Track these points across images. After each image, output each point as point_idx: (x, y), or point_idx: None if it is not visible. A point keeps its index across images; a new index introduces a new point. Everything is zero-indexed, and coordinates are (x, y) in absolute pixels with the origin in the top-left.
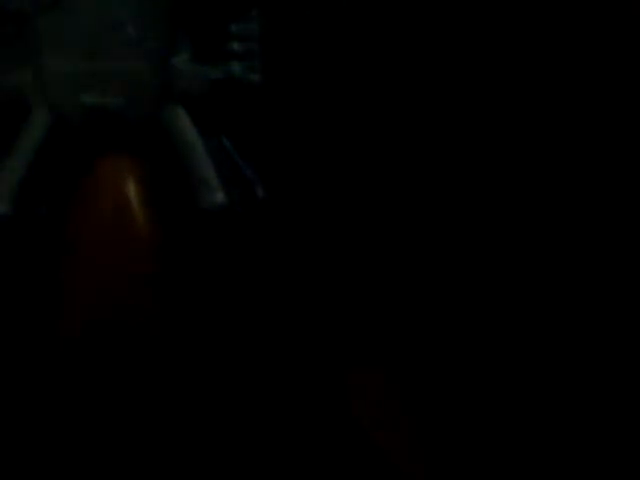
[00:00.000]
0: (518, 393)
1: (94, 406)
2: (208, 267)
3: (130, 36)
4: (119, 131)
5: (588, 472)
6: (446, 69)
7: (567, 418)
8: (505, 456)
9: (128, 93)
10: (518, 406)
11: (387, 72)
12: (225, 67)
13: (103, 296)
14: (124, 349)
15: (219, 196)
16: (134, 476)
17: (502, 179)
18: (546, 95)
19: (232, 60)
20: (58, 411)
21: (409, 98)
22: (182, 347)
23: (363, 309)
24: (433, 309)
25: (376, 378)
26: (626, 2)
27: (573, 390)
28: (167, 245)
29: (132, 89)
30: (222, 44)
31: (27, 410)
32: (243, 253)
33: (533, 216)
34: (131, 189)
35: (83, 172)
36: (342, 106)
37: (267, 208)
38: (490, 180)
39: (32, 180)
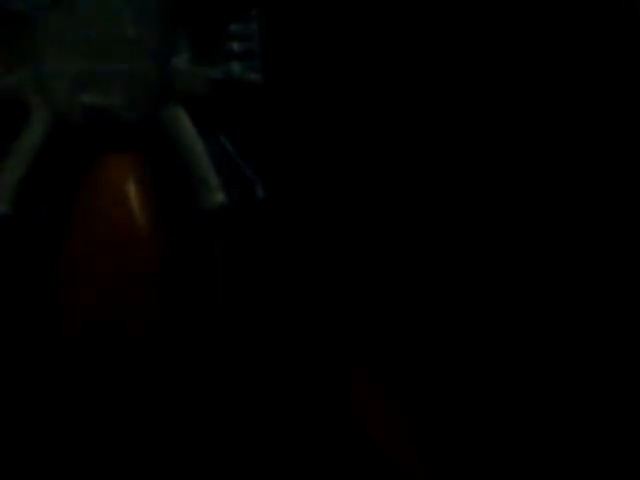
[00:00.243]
0: (518, 393)
1: (94, 406)
2: (208, 267)
3: (130, 36)
4: (119, 131)
5: (588, 472)
6: (448, 70)
7: (566, 418)
8: (505, 456)
9: (128, 93)
10: (518, 405)
11: (388, 72)
12: (225, 67)
13: (103, 296)
14: (124, 349)
15: (219, 196)
16: (133, 476)
17: (501, 180)
18: (546, 95)
19: (232, 60)
20: (57, 411)
21: (410, 98)
22: (182, 347)
23: (363, 309)
24: (433, 309)
25: (376, 378)
26: (626, 2)
27: (572, 391)
28: (167, 245)
29: (132, 89)
30: (222, 44)
31: (27, 410)
32: (243, 253)
33: (532, 218)
34: (131, 189)
35: (83, 172)
36: (343, 106)
37: (267, 208)
38: (489, 181)
39: (32, 180)
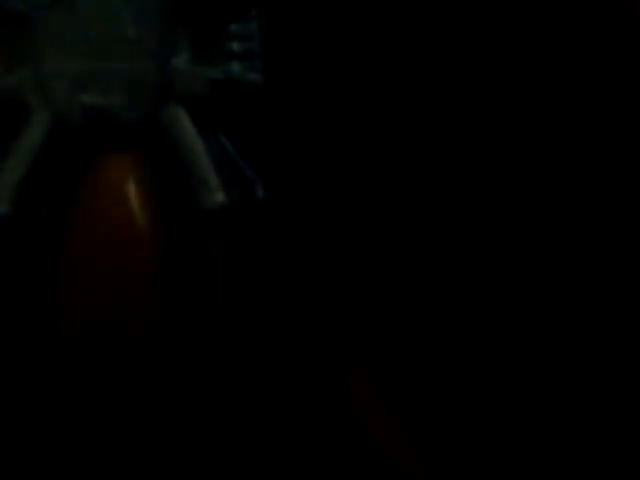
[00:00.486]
0: (517, 392)
1: (93, 405)
2: (208, 267)
3: (130, 36)
4: (119, 131)
5: (587, 471)
6: (449, 69)
7: (565, 417)
8: (504, 455)
9: (128, 93)
10: (517, 406)
11: (388, 71)
12: (225, 67)
13: (103, 296)
14: (124, 349)
15: (219, 196)
16: (133, 476)
17: (501, 179)
18: (546, 95)
19: (232, 60)
20: (57, 410)
21: (411, 97)
22: (182, 347)
23: (363, 309)
24: (433, 308)
25: (376, 378)
26: (626, 2)
27: (571, 390)
28: (167, 245)
29: (132, 89)
30: (222, 44)
31: (26, 409)
32: (243, 253)
33: (532, 217)
34: (131, 189)
35: (83, 172)
36: (343, 106)
37: (267, 208)
38: (489, 180)
39: (32, 180)
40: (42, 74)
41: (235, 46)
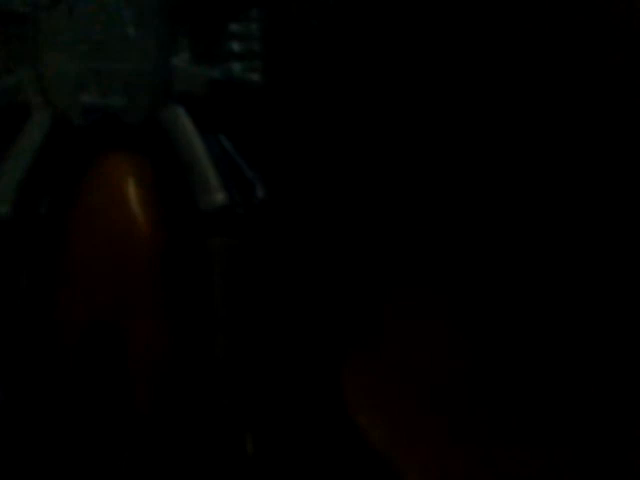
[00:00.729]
0: (519, 393)
1: (93, 405)
2: (208, 267)
3: (130, 36)
4: (119, 131)
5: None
6: (449, 70)
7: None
8: (503, 454)
9: (128, 93)
10: (518, 406)
11: (389, 72)
12: (225, 67)
13: (103, 296)
14: (124, 349)
15: (219, 196)
16: (134, 476)
17: (502, 180)
18: (546, 95)
19: (232, 60)
20: (57, 410)
21: (411, 98)
22: (181, 347)
23: (363, 309)
24: (433, 307)
25: (374, 373)
26: (626, 2)
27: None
28: (167, 245)
29: (132, 89)
30: (222, 44)
31: (26, 408)
32: (243, 254)
33: (534, 220)
34: (131, 189)
35: (83, 172)
36: (343, 106)
37: (267, 209)
38: (490, 181)
39: (32, 180)
40: (42, 74)
41: (235, 46)
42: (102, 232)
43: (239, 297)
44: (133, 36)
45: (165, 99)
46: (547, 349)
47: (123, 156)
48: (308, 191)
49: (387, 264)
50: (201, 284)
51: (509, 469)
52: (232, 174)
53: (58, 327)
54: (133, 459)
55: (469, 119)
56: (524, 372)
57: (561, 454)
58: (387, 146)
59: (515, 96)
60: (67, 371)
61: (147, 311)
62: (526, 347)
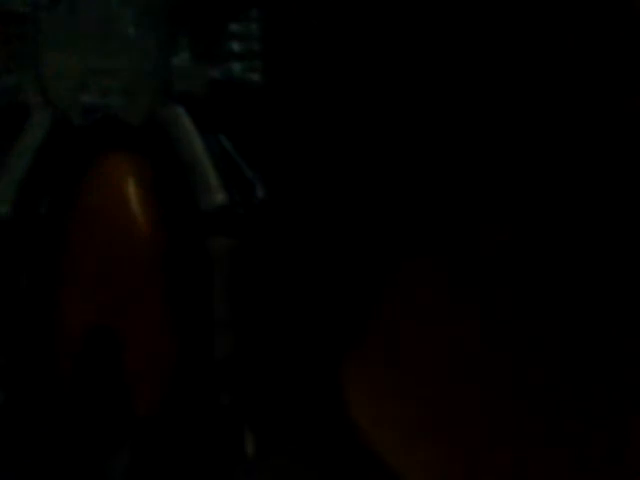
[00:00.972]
0: (519, 394)
1: (93, 405)
2: (208, 267)
3: (130, 36)
4: (119, 131)
5: None
6: (449, 70)
7: None
8: (503, 454)
9: (128, 93)
10: (518, 405)
11: (389, 72)
12: (225, 67)
13: (103, 296)
14: (123, 349)
15: (219, 196)
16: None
17: (502, 181)
18: (546, 95)
19: (232, 60)
20: (56, 411)
21: (412, 98)
22: (181, 347)
23: (362, 308)
24: (431, 308)
25: (374, 372)
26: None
27: None
28: (167, 245)
29: (132, 89)
30: (222, 44)
31: (25, 408)
32: (243, 254)
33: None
34: (131, 189)
35: (83, 172)
36: (343, 106)
37: (267, 209)
38: (490, 182)
39: (32, 180)
40: (42, 74)
41: (235, 46)
42: (102, 232)
43: (239, 297)
44: (133, 36)
45: (165, 99)
46: (547, 348)
47: (123, 156)
48: (307, 191)
49: (387, 264)
50: (201, 284)
51: (509, 469)
52: (232, 174)
53: (58, 327)
54: (133, 459)
55: (469, 119)
56: (524, 372)
57: (561, 454)
58: (387, 146)
59: (515, 95)
60: (67, 371)
61: (147, 311)
62: (525, 347)
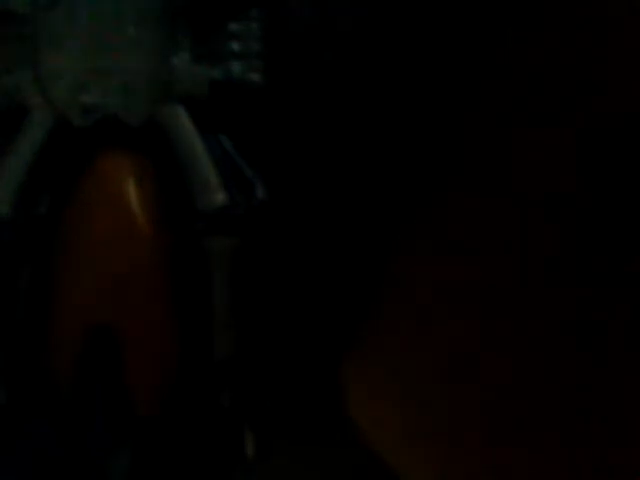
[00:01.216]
0: (519, 393)
1: (93, 405)
2: (208, 267)
3: (130, 36)
4: (119, 131)
5: None
6: (450, 71)
7: None
8: (503, 454)
9: (128, 93)
10: (518, 405)
11: (389, 72)
12: (225, 67)
13: (103, 296)
14: (123, 349)
15: (219, 196)
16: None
17: (502, 182)
18: (546, 95)
19: (232, 60)
20: (56, 411)
21: (412, 99)
22: (181, 347)
23: (362, 308)
24: (432, 305)
25: (374, 373)
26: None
27: None
28: (167, 245)
29: (132, 89)
30: (222, 44)
31: (24, 409)
32: (243, 254)
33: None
34: (131, 189)
35: (83, 172)
36: (343, 106)
37: (267, 209)
38: (491, 183)
39: (32, 180)
40: (42, 74)
41: (235, 46)
42: (102, 232)
43: (239, 297)
44: (133, 36)
45: (165, 99)
46: (547, 348)
47: (123, 156)
48: (308, 191)
49: (387, 263)
50: (201, 284)
51: (509, 469)
52: (232, 174)
53: (58, 327)
54: (133, 460)
55: (469, 121)
56: (524, 372)
57: (561, 454)
58: (387, 146)
59: (513, 94)
60: (67, 371)
61: (147, 311)
62: (526, 347)
